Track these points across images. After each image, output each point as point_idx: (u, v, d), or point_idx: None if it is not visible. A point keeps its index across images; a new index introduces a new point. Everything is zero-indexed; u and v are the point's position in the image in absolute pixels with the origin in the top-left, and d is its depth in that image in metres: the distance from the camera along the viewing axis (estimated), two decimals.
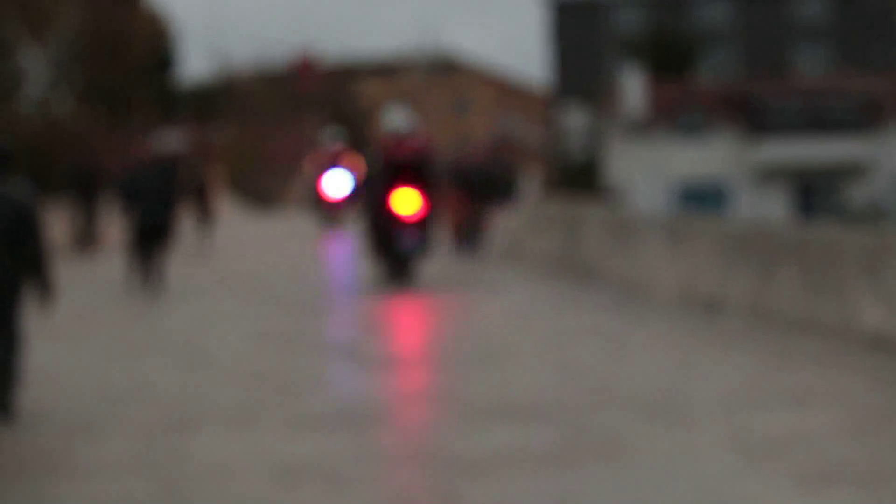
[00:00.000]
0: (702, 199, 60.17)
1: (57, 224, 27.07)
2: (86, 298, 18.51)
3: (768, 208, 58.97)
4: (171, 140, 15.77)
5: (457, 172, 23.22)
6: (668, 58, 70.81)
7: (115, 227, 28.28)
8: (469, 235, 23.77)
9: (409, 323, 15.20)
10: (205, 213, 32.33)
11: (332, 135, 40.59)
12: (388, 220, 17.94)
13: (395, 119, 18.53)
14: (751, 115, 61.22)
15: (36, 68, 60.55)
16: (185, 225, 27.27)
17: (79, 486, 7.62)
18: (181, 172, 18.53)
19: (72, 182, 29.06)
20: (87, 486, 7.63)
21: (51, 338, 14.33)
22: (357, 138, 78.61)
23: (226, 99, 71.60)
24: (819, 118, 61.88)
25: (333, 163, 36.75)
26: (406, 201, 17.92)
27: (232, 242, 32.01)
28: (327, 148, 38.59)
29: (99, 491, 7.49)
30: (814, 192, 61.25)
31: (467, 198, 23.03)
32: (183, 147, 16.25)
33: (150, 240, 18.75)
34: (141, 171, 18.93)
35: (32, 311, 10.90)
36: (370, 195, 18.61)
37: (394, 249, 17.98)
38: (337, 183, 35.92)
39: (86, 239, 28.88)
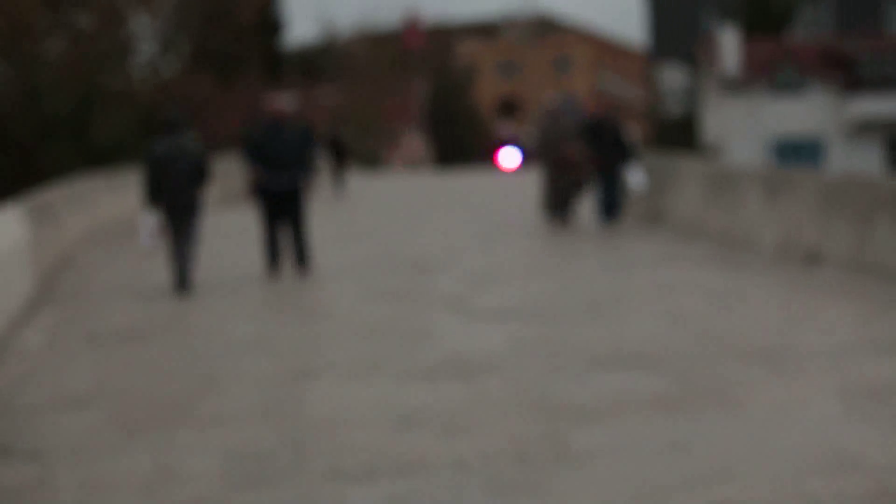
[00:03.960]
0: (797, 154, 59.37)
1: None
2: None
3: (863, 164, 58.02)
4: (285, 102, 15.53)
5: (588, 131, 21.10)
6: (764, 17, 69.78)
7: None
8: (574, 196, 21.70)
9: (514, 278, 15.14)
10: (341, 166, 34.94)
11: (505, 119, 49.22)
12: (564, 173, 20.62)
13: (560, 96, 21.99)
14: (845, 71, 60.20)
15: (146, 34, 61.21)
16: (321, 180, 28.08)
17: (205, 436, 7.68)
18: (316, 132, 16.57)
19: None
20: (213, 435, 7.69)
21: (177, 298, 14.47)
22: (460, 97, 78.51)
23: (331, 61, 71.67)
24: None
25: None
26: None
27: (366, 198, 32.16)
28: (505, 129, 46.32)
29: (224, 440, 7.54)
30: None
31: (597, 157, 20.97)
32: (295, 109, 15.66)
33: (285, 211, 15.36)
34: (269, 131, 15.34)
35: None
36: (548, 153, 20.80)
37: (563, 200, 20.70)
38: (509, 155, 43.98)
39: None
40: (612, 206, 20.76)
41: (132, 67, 61.46)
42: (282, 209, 15.31)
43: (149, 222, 14.28)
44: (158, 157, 14.24)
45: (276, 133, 15.26)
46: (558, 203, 20.84)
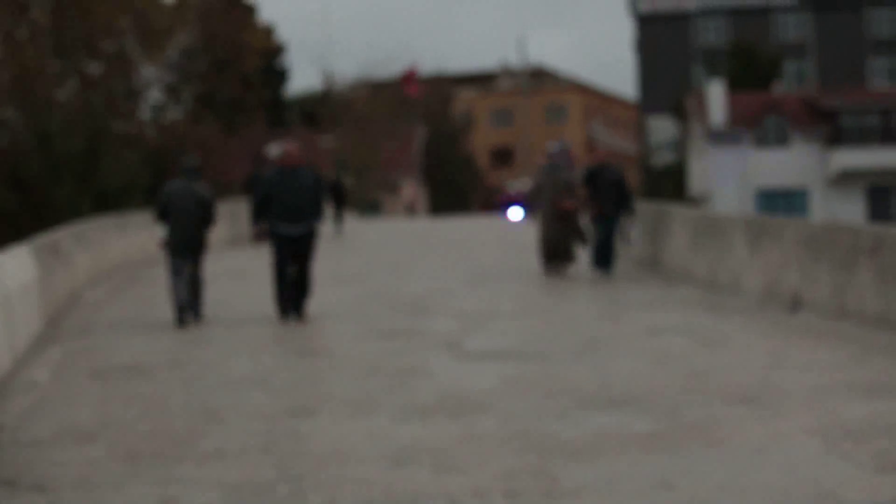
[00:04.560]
0: (781, 203, 59.51)
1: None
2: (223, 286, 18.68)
3: (845, 213, 58.13)
4: (299, 148, 15.51)
5: (590, 177, 20.29)
6: (749, 72, 70.07)
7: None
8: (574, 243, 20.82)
9: (507, 319, 15.15)
10: (341, 212, 35.72)
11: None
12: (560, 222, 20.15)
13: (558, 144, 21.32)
14: (828, 124, 60.39)
15: (153, 80, 61.48)
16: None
17: (206, 469, 7.67)
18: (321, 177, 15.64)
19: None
20: (213, 468, 7.68)
21: (180, 335, 14.47)
22: (456, 145, 78.60)
23: (331, 109, 71.80)
24: (894, 128, 60.93)
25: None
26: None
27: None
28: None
29: (224, 473, 7.54)
30: (890, 199, 60.34)
31: (596, 204, 20.11)
32: (303, 154, 15.50)
33: (297, 254, 15.05)
34: (284, 177, 14.98)
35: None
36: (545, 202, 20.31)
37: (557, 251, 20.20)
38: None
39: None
40: (608, 256, 20.19)
41: (139, 112, 61.69)
42: (294, 252, 15.07)
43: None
44: (170, 195, 15.32)
45: (291, 178, 14.98)
46: (552, 253, 20.38)
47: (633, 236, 20.67)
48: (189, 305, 15.18)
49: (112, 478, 7.51)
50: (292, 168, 15.08)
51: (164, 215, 15.31)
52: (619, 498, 6.58)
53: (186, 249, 15.24)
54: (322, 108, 72.34)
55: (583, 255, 21.69)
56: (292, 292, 15.15)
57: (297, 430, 8.76)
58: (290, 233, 14.97)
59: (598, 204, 20.07)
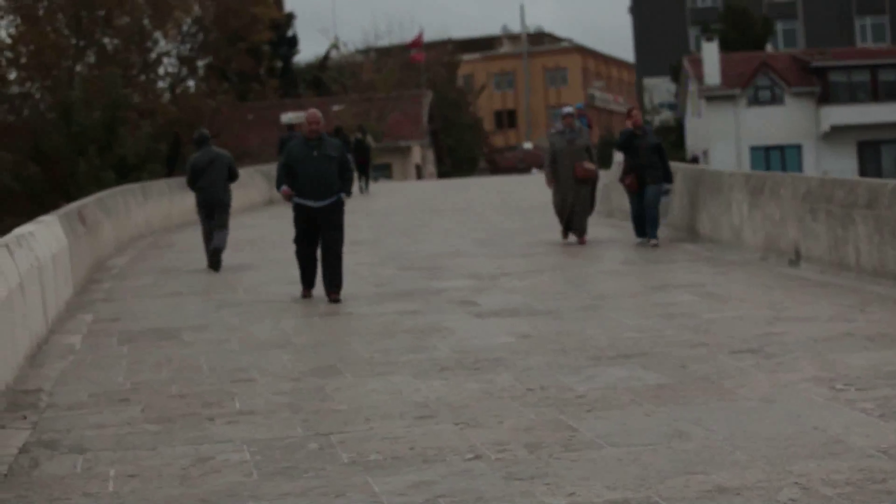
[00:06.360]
0: (775, 161, 59.41)
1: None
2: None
3: (836, 167, 57.99)
4: (320, 115, 14.10)
5: (625, 144, 18.37)
6: (741, 34, 69.81)
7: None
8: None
9: (517, 279, 15.15)
10: (366, 171, 36.06)
11: None
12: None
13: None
14: (820, 82, 60.17)
15: (168, 52, 61.41)
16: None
17: (236, 428, 7.70)
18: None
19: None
20: (243, 427, 7.71)
21: (205, 300, 14.50)
22: (461, 108, 78.28)
23: (340, 75, 71.50)
24: (882, 84, 60.71)
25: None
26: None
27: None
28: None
29: (253, 432, 7.56)
30: (880, 154, 60.19)
31: (633, 174, 18.19)
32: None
33: (322, 228, 13.64)
34: (307, 147, 13.61)
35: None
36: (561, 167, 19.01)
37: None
38: None
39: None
40: (653, 223, 18.18)
41: (155, 84, 61.60)
42: (319, 226, 13.61)
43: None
44: (197, 165, 17.62)
45: (314, 149, 13.52)
46: (572, 221, 18.93)
47: (668, 205, 19.33)
48: (220, 250, 17.31)
49: (148, 438, 7.53)
50: (317, 137, 13.56)
51: (194, 180, 17.59)
52: (636, 448, 6.59)
53: (215, 203, 17.49)
54: (330, 75, 72.04)
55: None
56: (316, 268, 13.83)
57: (321, 389, 8.78)
58: (314, 205, 13.53)
59: (635, 172, 18.22)
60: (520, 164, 77.56)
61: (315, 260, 13.84)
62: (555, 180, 19.03)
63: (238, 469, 6.68)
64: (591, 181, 19.13)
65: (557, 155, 18.94)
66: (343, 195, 13.72)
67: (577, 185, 18.88)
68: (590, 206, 19.46)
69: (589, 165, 18.86)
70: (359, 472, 6.47)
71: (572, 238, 19.36)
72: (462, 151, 76.09)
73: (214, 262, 17.28)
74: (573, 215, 18.95)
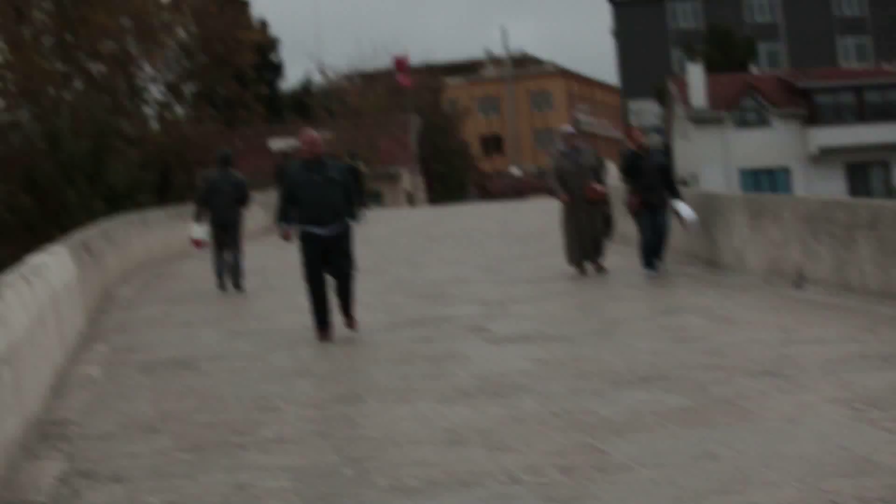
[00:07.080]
0: (765, 183, 59.73)
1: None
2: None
3: (826, 189, 58.34)
4: (319, 138, 13.50)
5: (630, 166, 17.47)
6: (725, 55, 70.27)
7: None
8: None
9: (525, 304, 15.31)
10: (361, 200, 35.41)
11: None
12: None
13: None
14: (806, 104, 60.56)
15: (154, 79, 61.52)
16: None
17: (270, 456, 7.83)
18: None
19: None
20: (277, 455, 7.84)
21: (217, 329, 14.61)
22: (449, 133, 78.44)
23: (325, 101, 71.58)
24: (868, 105, 61.13)
25: None
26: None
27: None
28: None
29: (288, 459, 7.69)
30: (869, 175, 60.56)
31: (639, 196, 17.38)
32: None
33: (331, 258, 12.98)
34: (308, 171, 12.92)
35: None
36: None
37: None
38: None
39: None
40: (658, 252, 17.47)
41: (143, 111, 61.70)
42: (327, 256, 12.93)
43: (199, 231, 18.86)
44: (211, 183, 18.46)
45: (316, 172, 12.85)
46: (588, 248, 18.12)
47: (689, 217, 17.66)
48: (229, 272, 18.31)
49: (184, 467, 7.66)
50: (317, 160, 12.90)
51: (205, 200, 18.31)
52: (669, 469, 6.75)
53: (228, 225, 18.22)
54: (315, 100, 72.11)
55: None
56: (329, 301, 13.07)
57: (348, 416, 8.92)
58: (321, 233, 12.84)
59: (640, 195, 17.35)
60: (508, 192, 77.60)
61: (327, 296, 13.13)
62: (570, 197, 18.12)
63: (278, 496, 6.82)
64: (601, 202, 18.54)
65: (565, 177, 18.20)
66: (352, 221, 13.16)
67: (589, 207, 18.20)
68: (607, 227, 18.84)
69: (598, 187, 18.24)
70: (399, 497, 6.62)
71: (589, 267, 18.36)
72: (453, 177, 76.23)
73: (237, 285, 18.53)
74: (590, 241, 18.16)
